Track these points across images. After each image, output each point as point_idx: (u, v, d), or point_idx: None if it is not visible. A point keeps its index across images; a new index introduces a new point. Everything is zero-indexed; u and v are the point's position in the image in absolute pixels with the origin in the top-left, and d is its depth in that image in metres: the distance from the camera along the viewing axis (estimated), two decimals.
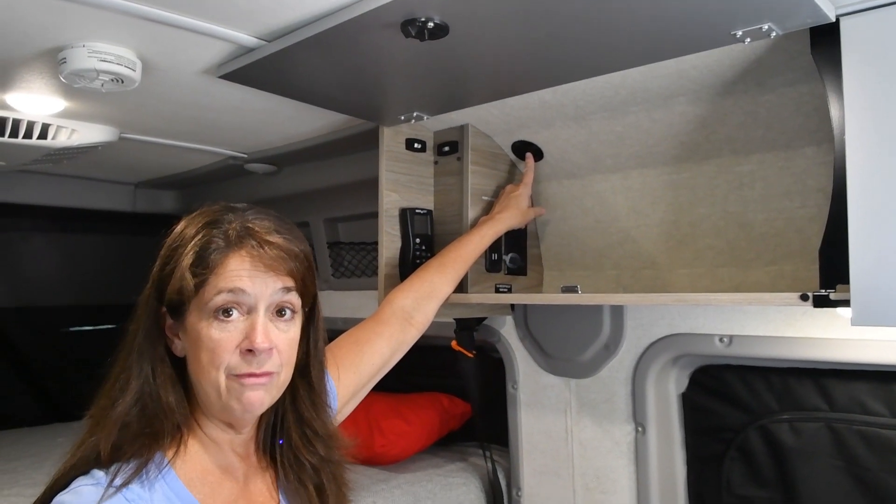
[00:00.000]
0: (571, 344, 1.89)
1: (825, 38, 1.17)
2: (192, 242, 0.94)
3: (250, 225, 0.97)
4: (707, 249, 1.65)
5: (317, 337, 1.09)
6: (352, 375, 1.32)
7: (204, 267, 0.93)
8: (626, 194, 1.74)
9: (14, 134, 1.90)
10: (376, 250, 2.49)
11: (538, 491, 2.02)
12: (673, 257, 1.71)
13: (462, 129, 1.79)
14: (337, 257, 2.74)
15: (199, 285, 0.93)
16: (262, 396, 0.96)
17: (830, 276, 1.16)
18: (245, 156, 2.41)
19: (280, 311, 0.98)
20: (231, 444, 1.02)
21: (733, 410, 1.70)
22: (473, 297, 1.75)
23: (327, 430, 1.11)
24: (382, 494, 2.00)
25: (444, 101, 1.62)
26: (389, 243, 1.78)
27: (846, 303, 1.11)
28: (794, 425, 1.61)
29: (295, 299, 0.99)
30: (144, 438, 0.92)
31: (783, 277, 1.54)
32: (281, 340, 0.97)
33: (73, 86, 1.42)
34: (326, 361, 1.22)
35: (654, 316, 1.74)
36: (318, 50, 1.30)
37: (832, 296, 1.13)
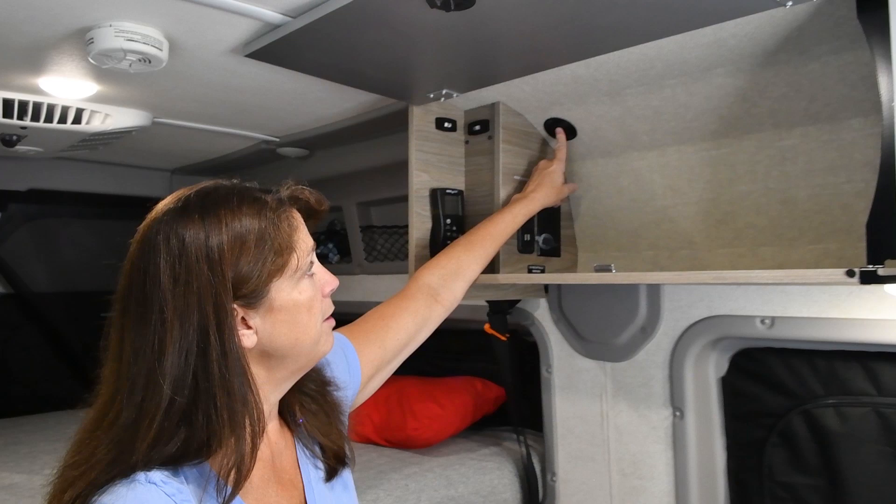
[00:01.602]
0: (607, 327, 1.85)
1: (872, 2, 1.11)
2: (259, 229, 0.93)
3: (288, 190, 1.02)
4: (748, 228, 1.59)
5: None
6: (376, 349, 1.33)
7: (287, 245, 0.95)
8: (663, 172, 1.69)
9: (49, 119, 1.92)
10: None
11: (573, 476, 1.98)
12: (712, 237, 1.65)
13: (493, 107, 1.75)
14: (370, 241, 2.72)
15: (287, 260, 0.95)
16: None
17: (878, 251, 1.10)
18: (277, 139, 2.41)
19: None
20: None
21: (775, 395, 1.65)
22: (504, 278, 1.72)
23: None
24: (415, 477, 1.98)
25: (473, 78, 1.59)
26: (420, 224, 1.75)
27: (895, 279, 1.05)
28: (839, 410, 1.55)
29: None
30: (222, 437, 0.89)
31: (828, 256, 1.48)
32: None
33: (102, 66, 1.43)
34: (351, 335, 1.28)
35: (692, 297, 1.69)
36: (344, 24, 1.28)
37: (880, 271, 1.07)
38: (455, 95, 1.67)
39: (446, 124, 1.79)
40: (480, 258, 1.57)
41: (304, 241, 0.98)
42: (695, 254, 1.69)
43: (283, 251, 0.94)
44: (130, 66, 1.41)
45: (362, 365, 1.28)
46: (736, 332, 1.63)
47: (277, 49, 1.40)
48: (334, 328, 1.10)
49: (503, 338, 1.97)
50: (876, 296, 1.41)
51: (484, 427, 2.51)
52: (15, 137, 2.09)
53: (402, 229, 2.60)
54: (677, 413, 1.73)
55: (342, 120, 2.13)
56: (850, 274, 1.07)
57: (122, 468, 0.84)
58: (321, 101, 1.92)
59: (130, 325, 0.90)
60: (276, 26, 1.36)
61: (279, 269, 0.94)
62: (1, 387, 3.16)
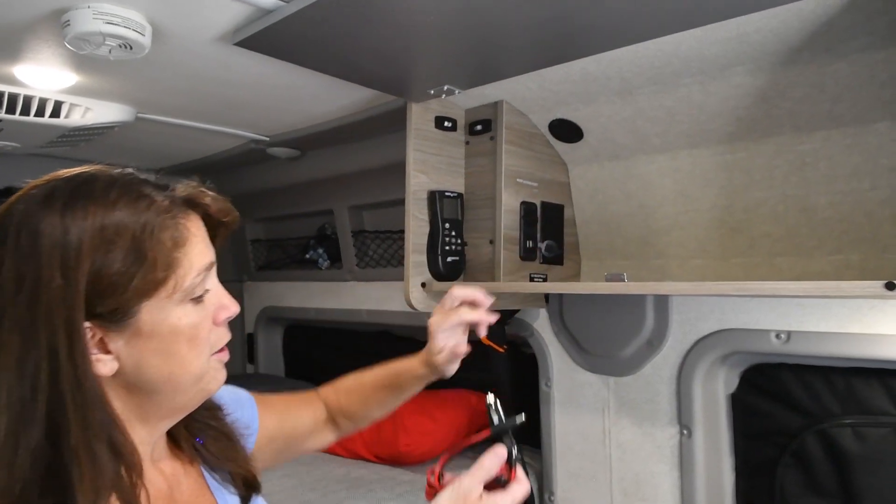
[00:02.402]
0: (611, 339, 1.77)
1: None
2: (134, 232, 0.76)
3: (187, 189, 0.84)
4: (763, 237, 1.51)
5: None
6: (275, 420, 1.14)
7: (166, 261, 0.77)
8: (675, 177, 1.61)
9: (26, 111, 1.82)
10: (402, 239, 2.38)
11: (572, 496, 1.89)
12: (725, 246, 1.57)
13: (496, 105, 1.67)
14: (362, 246, 2.63)
15: (165, 277, 0.77)
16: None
17: None
18: (267, 139, 2.31)
19: None
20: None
21: (789, 413, 1.57)
22: (505, 286, 1.62)
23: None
24: (406, 497, 1.89)
25: (476, 73, 1.50)
26: (417, 228, 1.66)
27: None
28: (857, 430, 1.47)
29: None
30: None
31: (850, 267, 1.40)
32: None
33: (80, 52, 1.32)
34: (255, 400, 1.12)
35: (702, 309, 1.61)
36: (340, 10, 1.19)
37: None
38: (457, 92, 1.58)
39: (446, 123, 1.70)
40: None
41: (195, 257, 0.80)
42: (707, 263, 1.61)
43: (157, 267, 0.76)
44: (110, 52, 1.32)
45: (260, 427, 1.11)
46: (749, 346, 1.55)
47: (269, 36, 1.30)
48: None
49: (501, 349, 1.87)
50: None
51: (479, 443, 2.40)
52: None
53: (396, 234, 2.51)
54: (684, 431, 1.64)
55: (336, 119, 2.03)
56: (891, 287, 0.99)
57: None
58: (315, 98, 1.83)
59: None
60: (268, 11, 1.26)
61: (151, 289, 0.76)
62: None
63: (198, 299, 0.81)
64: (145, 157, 2.69)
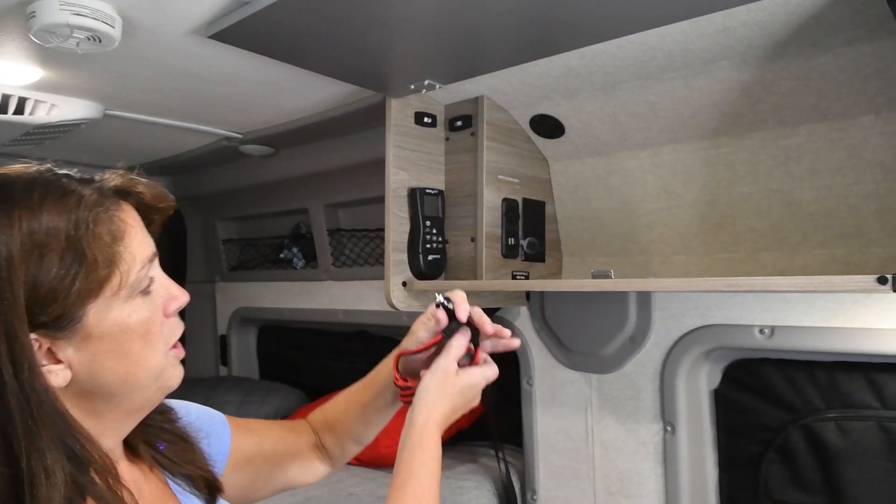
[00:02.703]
0: (593, 336, 1.75)
1: None
2: (67, 233, 0.71)
3: (116, 179, 0.80)
4: (747, 232, 1.50)
5: None
6: (252, 443, 1.09)
7: (107, 257, 0.73)
8: (657, 172, 1.60)
9: None
10: (379, 237, 2.34)
11: (555, 494, 1.87)
12: (709, 241, 1.56)
13: (476, 101, 1.64)
14: (337, 245, 2.58)
15: (109, 274, 0.73)
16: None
17: None
18: (240, 136, 2.26)
19: None
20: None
21: (772, 408, 1.56)
22: (487, 284, 1.60)
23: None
24: None
25: (457, 67, 1.47)
26: (397, 226, 1.63)
27: None
28: (841, 424, 1.47)
29: None
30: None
31: (834, 262, 1.40)
32: None
33: (45, 45, 1.27)
34: (231, 421, 1.07)
35: (685, 305, 1.60)
36: (317, 2, 1.15)
37: None
38: (437, 87, 1.55)
39: (426, 119, 1.67)
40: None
41: (137, 249, 0.76)
42: (690, 259, 1.60)
43: (99, 264, 0.72)
44: (78, 45, 1.26)
45: (232, 449, 1.06)
46: (732, 342, 1.54)
47: (244, 29, 1.26)
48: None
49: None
50: (884, 304, 1.34)
51: (459, 442, 2.38)
52: None
53: (373, 233, 2.47)
54: (668, 428, 1.63)
55: (311, 115, 1.99)
56: (882, 281, 0.98)
57: None
58: (290, 94, 1.78)
59: None
60: (243, 3, 1.22)
61: (95, 288, 0.72)
62: None
63: (145, 291, 0.77)
64: (114, 156, 2.60)
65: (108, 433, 0.80)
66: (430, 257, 1.64)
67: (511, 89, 1.57)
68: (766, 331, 1.48)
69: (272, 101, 1.87)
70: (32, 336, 0.70)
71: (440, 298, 1.00)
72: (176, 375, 0.83)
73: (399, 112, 1.63)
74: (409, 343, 1.08)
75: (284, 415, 2.58)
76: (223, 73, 1.62)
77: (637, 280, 1.27)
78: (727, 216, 1.52)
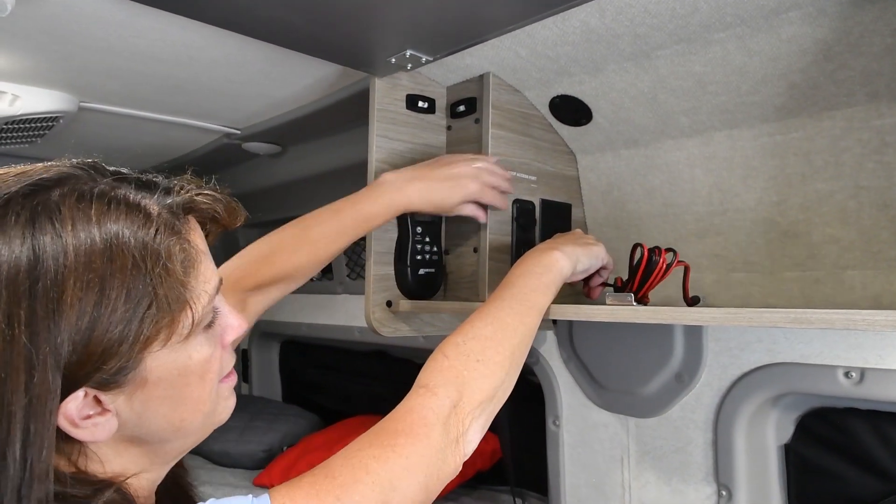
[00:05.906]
0: (631, 371, 1.42)
1: None
2: (135, 261, 0.57)
3: (182, 192, 0.67)
4: (828, 243, 1.14)
5: None
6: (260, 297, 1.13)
7: (180, 296, 0.61)
8: (708, 166, 1.25)
9: None
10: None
11: None
12: (776, 256, 1.21)
13: (481, 80, 1.33)
14: (353, 255, 2.31)
15: (179, 316, 0.62)
16: None
17: None
18: (239, 132, 2.02)
19: None
20: None
21: (862, 474, 1.21)
22: None
23: None
24: None
25: (444, 33, 1.15)
26: (380, 233, 1.33)
27: None
28: None
29: None
30: None
31: None
32: None
33: None
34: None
35: (746, 337, 1.25)
36: None
37: None
38: (424, 60, 1.24)
39: (421, 103, 1.37)
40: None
41: (208, 280, 0.65)
42: (752, 279, 1.24)
43: (171, 305, 0.60)
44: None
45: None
46: (808, 386, 1.19)
47: None
48: None
49: None
50: None
51: (477, 485, 2.07)
52: None
53: None
54: (723, 492, 1.29)
55: (307, 104, 1.72)
56: None
57: None
58: (267, 77, 1.52)
59: None
60: None
61: (164, 334, 0.60)
62: None
63: (208, 326, 0.67)
64: (111, 160, 2.42)
65: (150, 476, 0.70)
66: (422, 271, 1.33)
67: (522, 63, 1.25)
68: (854, 374, 1.12)
69: (255, 88, 1.61)
70: (80, 393, 0.58)
71: None
72: (228, 407, 0.74)
73: (385, 94, 1.33)
74: None
75: (291, 442, 2.33)
76: (185, 54, 1.37)
77: (666, 309, 0.94)
78: (801, 222, 1.16)
